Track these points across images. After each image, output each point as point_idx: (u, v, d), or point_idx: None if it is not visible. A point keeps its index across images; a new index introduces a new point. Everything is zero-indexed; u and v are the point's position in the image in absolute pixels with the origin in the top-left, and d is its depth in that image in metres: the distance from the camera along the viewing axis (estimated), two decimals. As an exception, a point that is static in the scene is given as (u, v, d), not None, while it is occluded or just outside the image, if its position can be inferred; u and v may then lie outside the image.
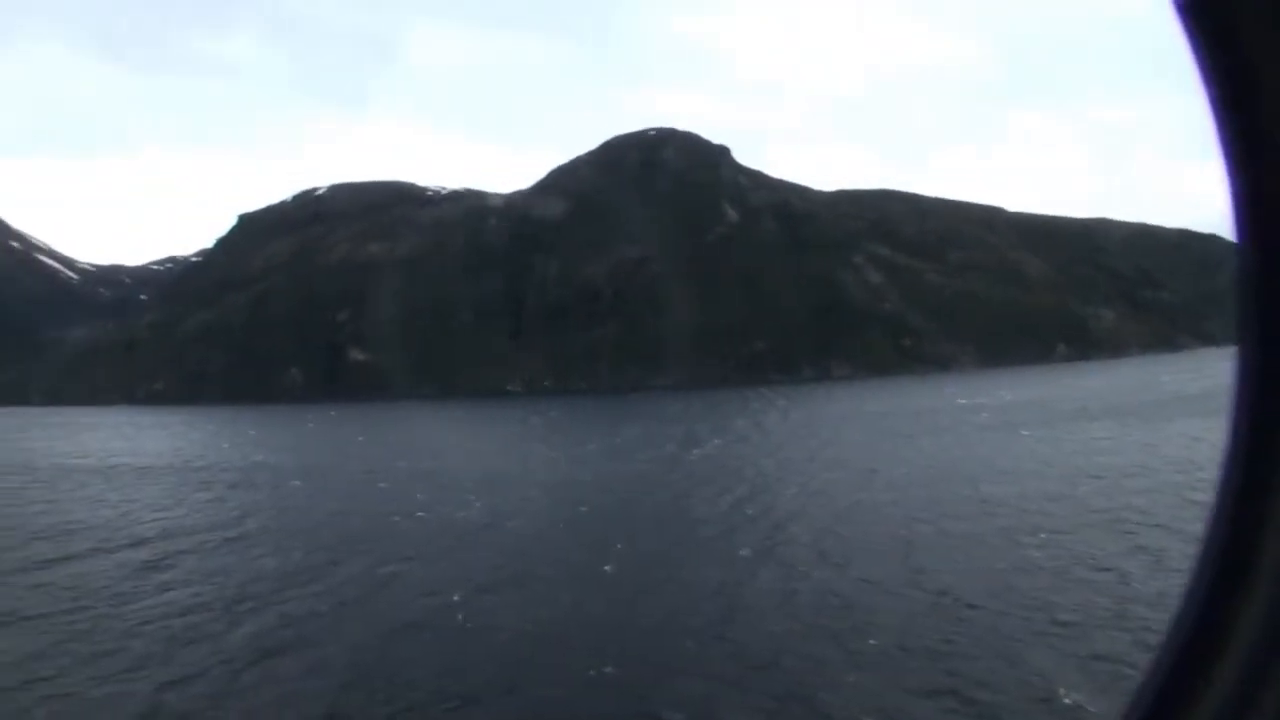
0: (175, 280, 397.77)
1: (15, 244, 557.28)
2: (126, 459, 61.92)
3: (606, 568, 22.47)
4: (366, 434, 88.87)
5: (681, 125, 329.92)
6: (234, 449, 70.06)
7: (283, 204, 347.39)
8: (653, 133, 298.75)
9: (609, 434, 74.44)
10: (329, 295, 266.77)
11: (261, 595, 20.59)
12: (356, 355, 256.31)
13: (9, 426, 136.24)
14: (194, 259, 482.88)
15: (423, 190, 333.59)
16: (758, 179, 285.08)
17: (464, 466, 49.44)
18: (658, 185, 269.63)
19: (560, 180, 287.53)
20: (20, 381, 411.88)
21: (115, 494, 40.93)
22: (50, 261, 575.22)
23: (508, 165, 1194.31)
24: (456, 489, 38.46)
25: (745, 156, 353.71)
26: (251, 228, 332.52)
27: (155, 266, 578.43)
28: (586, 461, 51.25)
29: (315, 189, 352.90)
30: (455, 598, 19.89)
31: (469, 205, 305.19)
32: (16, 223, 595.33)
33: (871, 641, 15.99)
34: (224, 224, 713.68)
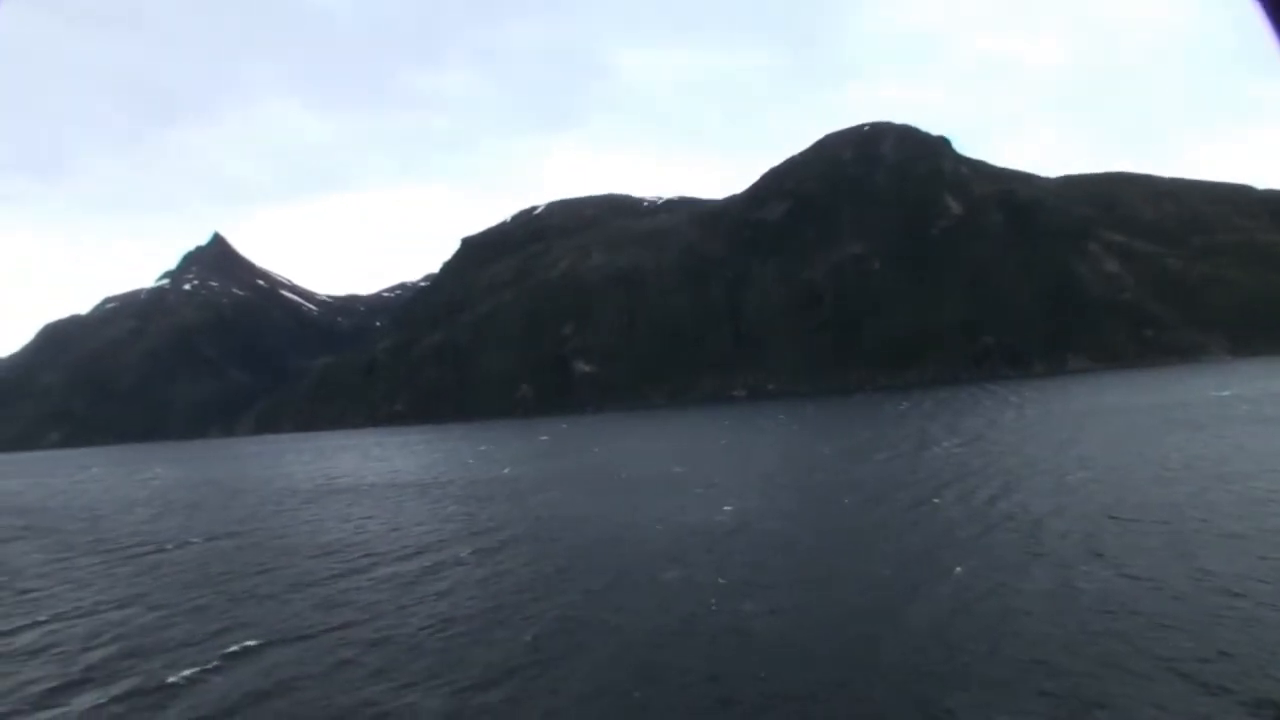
0: (406, 306, 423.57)
1: (261, 282, 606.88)
2: (380, 478, 64.05)
3: (876, 569, 21.71)
4: (601, 444, 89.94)
5: (897, 118, 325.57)
6: (477, 464, 72.06)
7: (503, 225, 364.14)
8: (868, 128, 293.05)
9: (841, 436, 73.52)
10: (553, 310, 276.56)
11: (533, 601, 21.05)
12: (583, 367, 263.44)
13: (269, 453, 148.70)
14: (422, 284, 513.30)
15: (639, 201, 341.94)
16: (980, 169, 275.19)
17: (705, 472, 49.39)
18: (876, 181, 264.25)
19: (775, 182, 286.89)
20: (274, 411, 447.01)
21: (377, 511, 42.71)
22: (293, 297, 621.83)
23: (721, 171, 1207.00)
24: (703, 494, 38.46)
25: (966, 146, 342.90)
26: (475, 250, 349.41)
27: (387, 294, 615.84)
28: (826, 464, 50.25)
29: (534, 208, 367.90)
30: (726, 598, 19.73)
31: (685, 213, 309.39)
32: (261, 262, 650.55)
33: (1169, 644, 14.76)
34: (448, 249, 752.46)
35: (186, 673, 16.87)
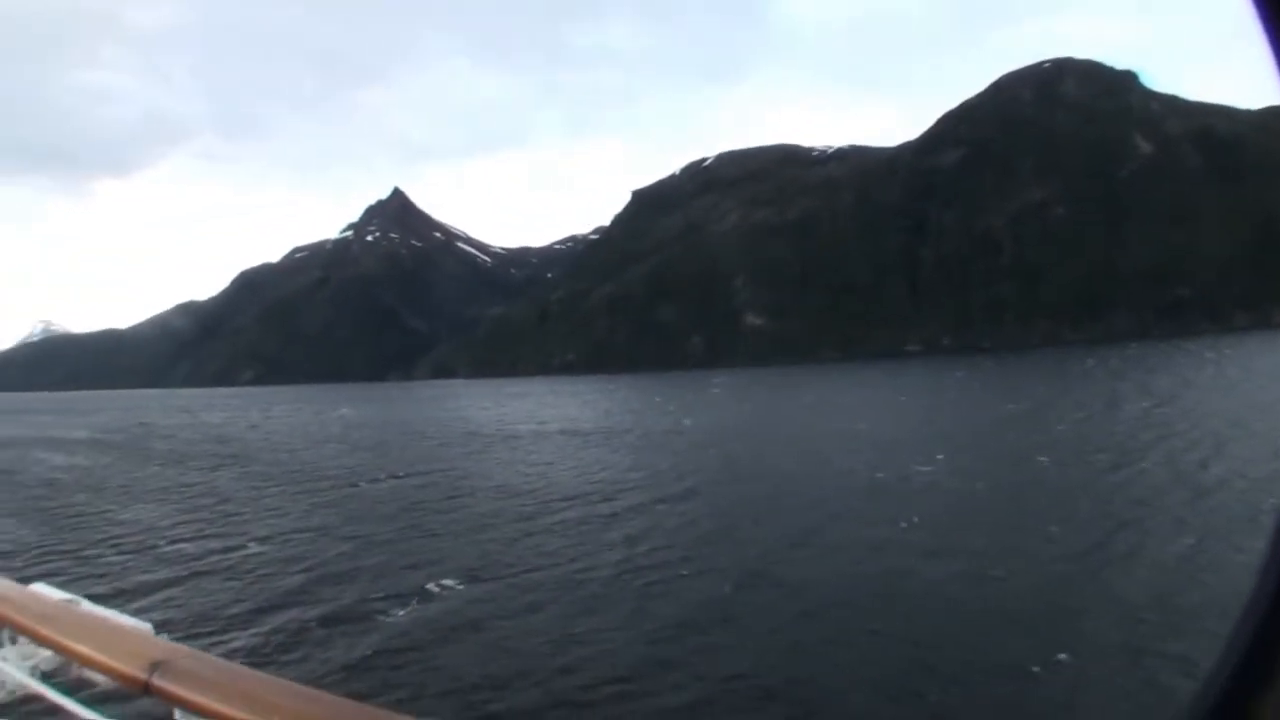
0: (578, 258, 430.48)
1: (438, 234, 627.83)
2: (560, 425, 64.17)
3: (1085, 533, 20.28)
4: (776, 398, 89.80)
5: (1080, 53, 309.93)
6: (653, 414, 72.01)
7: (672, 177, 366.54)
8: (1048, 65, 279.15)
9: (1027, 394, 69.41)
10: (723, 263, 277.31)
11: (723, 553, 20.48)
12: (753, 320, 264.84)
13: (447, 397, 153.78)
14: (592, 237, 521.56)
15: (808, 151, 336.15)
16: (1173, 104, 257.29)
17: (889, 429, 48.01)
18: (1057, 121, 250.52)
19: (950, 128, 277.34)
20: (449, 357, 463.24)
21: (558, 457, 42.74)
22: (468, 248, 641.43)
23: (893, 118, 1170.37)
24: (889, 451, 37.00)
25: (1157, 80, 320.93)
26: (645, 203, 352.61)
27: (558, 246, 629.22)
28: (1015, 423, 47.72)
29: (702, 160, 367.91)
30: (924, 560, 18.81)
31: (857, 162, 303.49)
32: (438, 215, 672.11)
33: None
34: (618, 202, 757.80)
35: (379, 603, 17.20)
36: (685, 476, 33.34)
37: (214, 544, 24.06)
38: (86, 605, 2.55)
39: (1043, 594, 16.11)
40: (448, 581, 18.73)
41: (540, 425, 65.64)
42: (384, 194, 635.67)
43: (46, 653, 2.42)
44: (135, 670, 1.95)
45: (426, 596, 17.75)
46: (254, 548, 23.45)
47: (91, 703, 2.25)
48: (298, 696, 1.79)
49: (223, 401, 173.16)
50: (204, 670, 1.96)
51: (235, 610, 17.30)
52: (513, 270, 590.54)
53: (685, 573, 18.74)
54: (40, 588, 2.74)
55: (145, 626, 2.39)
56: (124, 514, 30.18)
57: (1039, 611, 15.17)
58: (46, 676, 2.42)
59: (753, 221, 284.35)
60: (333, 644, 14.95)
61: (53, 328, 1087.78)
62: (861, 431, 46.32)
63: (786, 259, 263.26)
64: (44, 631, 2.30)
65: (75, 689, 2.29)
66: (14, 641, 2.49)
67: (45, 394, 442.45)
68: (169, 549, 23.66)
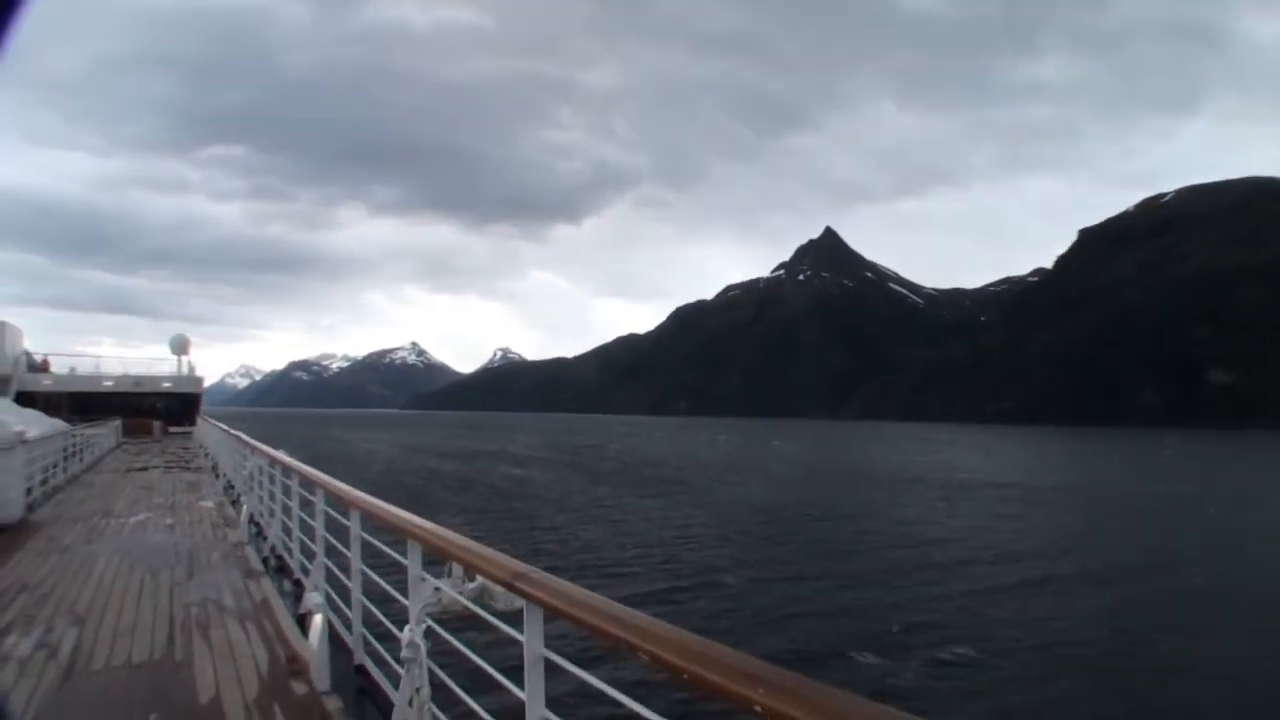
0: (1014, 300, 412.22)
1: (869, 274, 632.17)
2: (1005, 478, 60.58)
3: None
4: (1253, 467, 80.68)
5: None
6: (1138, 478, 65.15)
7: (1124, 215, 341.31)
8: None
9: None
10: (1185, 310, 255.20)
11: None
12: (1219, 377, 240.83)
13: (877, 439, 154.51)
14: (1031, 279, 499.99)
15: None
16: None
17: None
18: None
19: None
20: (877, 398, 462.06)
21: (1028, 513, 40.13)
22: (898, 288, 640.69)
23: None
24: None
25: None
26: (1092, 242, 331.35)
27: (993, 288, 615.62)
28: None
29: (1160, 195, 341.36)
30: None
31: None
32: (870, 255, 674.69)
33: None
34: (1058, 242, 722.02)
35: (857, 660, 15.80)
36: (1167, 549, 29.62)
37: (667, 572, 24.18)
38: (475, 544, 3.94)
39: None
40: (958, 647, 16.67)
41: (993, 477, 62.12)
42: (815, 234, 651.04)
43: (460, 572, 4.02)
44: (506, 577, 3.35)
45: (931, 660, 15.99)
46: (685, 584, 22.67)
47: (485, 608, 3.81)
48: (622, 613, 2.66)
49: (663, 430, 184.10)
50: (549, 582, 3.26)
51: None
52: (944, 312, 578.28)
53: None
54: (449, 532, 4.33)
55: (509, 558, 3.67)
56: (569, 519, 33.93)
57: None
58: (464, 593, 3.97)
59: (1221, 264, 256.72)
60: None
61: (510, 354, 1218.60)
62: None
63: (1261, 305, 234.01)
64: (465, 557, 3.85)
65: (478, 598, 3.84)
66: (450, 574, 4.10)
67: (501, 414, 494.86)
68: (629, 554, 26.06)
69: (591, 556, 25.65)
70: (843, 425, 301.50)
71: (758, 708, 1.86)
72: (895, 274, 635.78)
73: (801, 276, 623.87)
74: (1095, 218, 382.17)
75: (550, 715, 3.20)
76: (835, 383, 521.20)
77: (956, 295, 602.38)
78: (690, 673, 2.16)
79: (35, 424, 19.53)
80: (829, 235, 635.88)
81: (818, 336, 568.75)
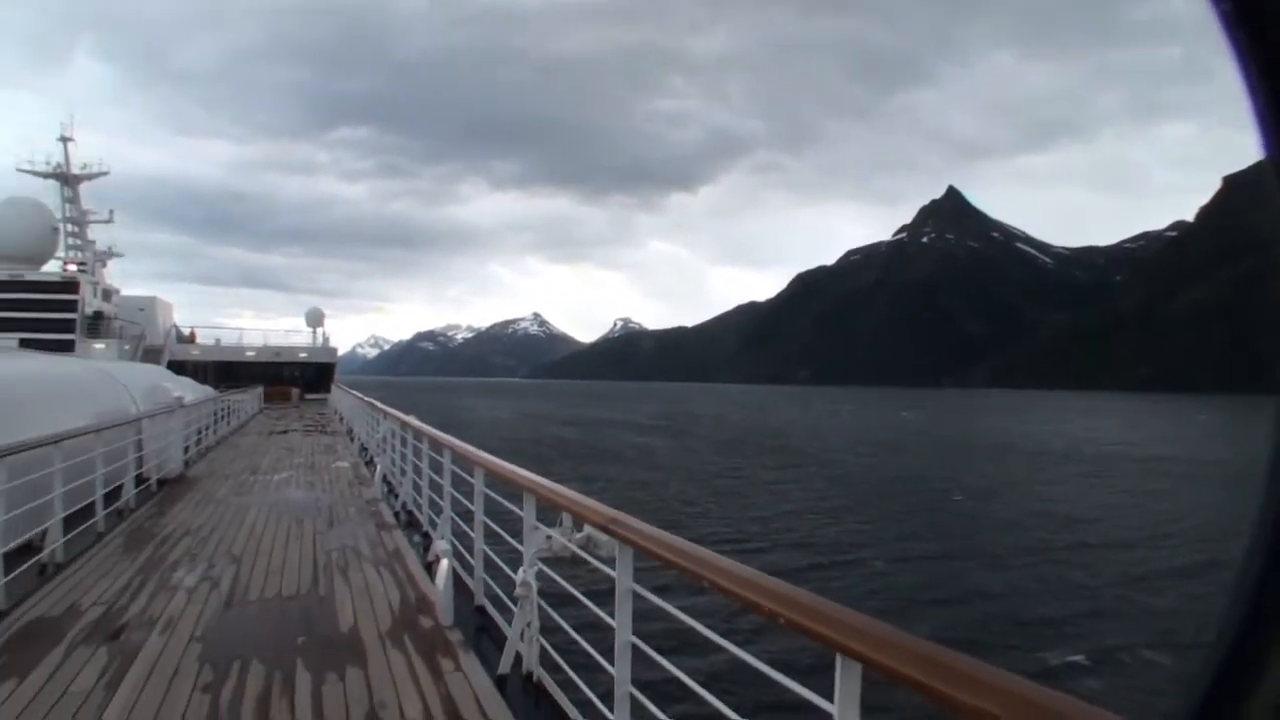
0: (1154, 258, 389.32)
1: (995, 234, 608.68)
2: (1153, 453, 57.69)
3: None
4: None
5: None
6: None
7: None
8: None
9: None
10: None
11: None
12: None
13: (1011, 408, 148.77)
14: (1170, 234, 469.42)
15: None
16: None
17: None
18: None
19: None
20: (1008, 365, 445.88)
21: (1181, 489, 38.36)
22: (1027, 248, 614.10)
23: None
24: None
25: None
26: (1241, 191, 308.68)
27: (1128, 245, 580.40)
28: None
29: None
30: None
31: None
32: (995, 214, 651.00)
33: None
34: (1201, 193, 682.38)
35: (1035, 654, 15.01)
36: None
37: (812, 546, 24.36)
38: (581, 496, 4.69)
39: None
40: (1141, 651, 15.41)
41: (1145, 451, 59.46)
42: (937, 194, 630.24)
43: (570, 522, 4.63)
44: (604, 521, 3.96)
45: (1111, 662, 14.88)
46: (824, 556, 22.98)
47: (588, 552, 4.40)
48: (700, 552, 3.20)
49: (789, 398, 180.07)
50: (638, 525, 3.80)
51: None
52: (1077, 272, 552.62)
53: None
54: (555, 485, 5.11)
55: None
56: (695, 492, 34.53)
57: None
58: (573, 540, 4.56)
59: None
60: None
61: (630, 324, 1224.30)
62: None
63: None
64: (573, 507, 4.53)
65: (584, 545, 4.42)
66: (560, 524, 4.73)
67: (621, 383, 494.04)
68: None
69: (729, 530, 26.00)
70: (974, 394, 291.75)
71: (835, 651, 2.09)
72: (1023, 233, 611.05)
73: (925, 239, 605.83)
74: (1241, 163, 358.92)
75: (635, 639, 3.90)
76: (963, 349, 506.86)
77: (1089, 254, 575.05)
78: (780, 614, 2.39)
79: (189, 390, 22.30)
80: (951, 195, 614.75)
81: (944, 300, 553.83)
